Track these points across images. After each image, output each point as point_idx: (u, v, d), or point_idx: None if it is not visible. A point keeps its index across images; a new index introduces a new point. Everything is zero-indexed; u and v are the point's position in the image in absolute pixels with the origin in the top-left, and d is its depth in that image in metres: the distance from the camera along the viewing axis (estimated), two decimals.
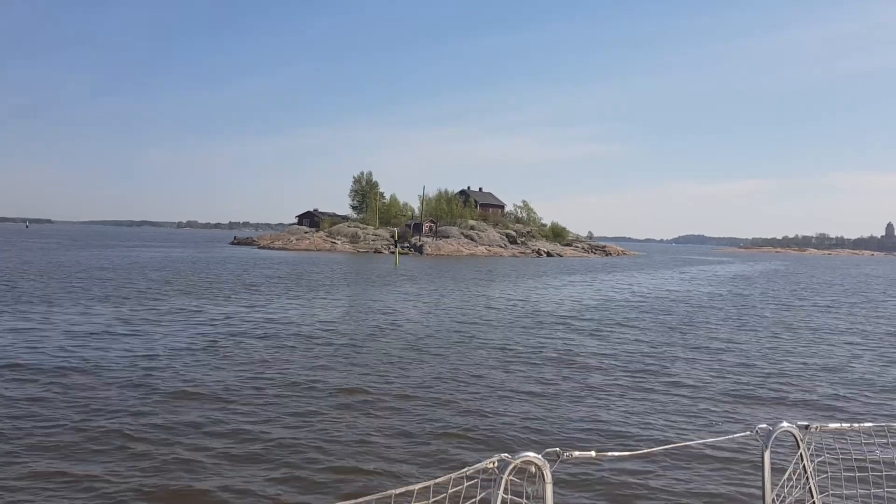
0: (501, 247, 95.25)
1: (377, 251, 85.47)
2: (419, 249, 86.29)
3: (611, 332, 20.28)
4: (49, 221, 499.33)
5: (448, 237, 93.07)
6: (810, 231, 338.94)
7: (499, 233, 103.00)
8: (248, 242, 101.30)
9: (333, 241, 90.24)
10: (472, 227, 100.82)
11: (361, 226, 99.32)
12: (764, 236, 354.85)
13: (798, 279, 58.05)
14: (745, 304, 31.40)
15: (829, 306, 31.52)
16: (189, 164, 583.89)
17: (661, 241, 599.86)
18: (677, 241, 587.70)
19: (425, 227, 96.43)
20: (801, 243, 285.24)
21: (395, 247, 60.59)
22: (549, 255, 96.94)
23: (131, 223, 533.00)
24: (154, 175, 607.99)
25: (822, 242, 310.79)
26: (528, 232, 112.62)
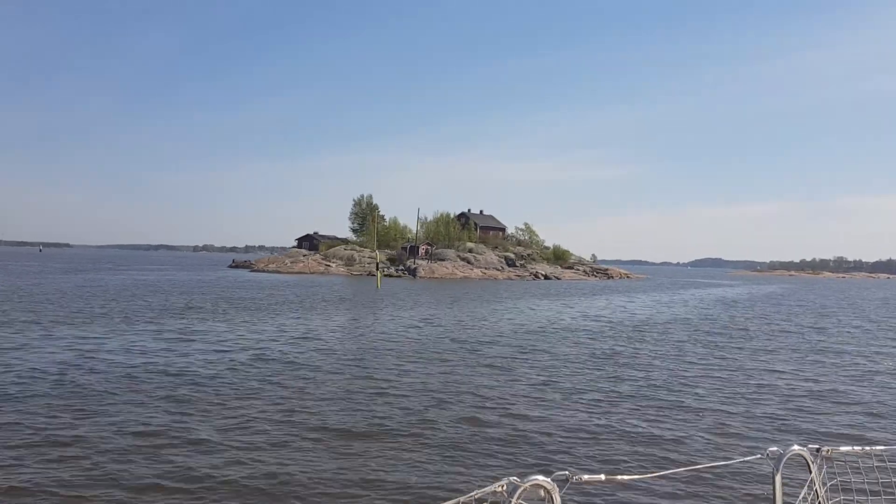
0: (498, 269, 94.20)
1: (371, 274, 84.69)
2: (413, 272, 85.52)
3: (525, 358, 19.23)
4: (68, 245, 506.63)
5: (444, 260, 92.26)
6: (829, 254, 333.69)
7: (497, 255, 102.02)
8: (245, 265, 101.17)
9: (328, 263, 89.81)
10: (470, 250, 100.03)
11: (358, 248, 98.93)
12: (781, 259, 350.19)
13: (784, 302, 56.28)
14: (690, 328, 30.13)
15: (781, 331, 30.14)
16: (206, 188, 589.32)
17: (678, 264, 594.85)
18: (694, 264, 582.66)
19: (421, 249, 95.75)
20: (819, 266, 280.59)
21: (377, 269, 59.57)
22: (546, 277, 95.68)
23: (149, 247, 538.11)
24: (172, 199, 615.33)
25: (840, 266, 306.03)
26: (528, 255, 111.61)
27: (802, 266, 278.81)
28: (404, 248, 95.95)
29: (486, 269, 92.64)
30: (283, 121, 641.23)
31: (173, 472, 8.56)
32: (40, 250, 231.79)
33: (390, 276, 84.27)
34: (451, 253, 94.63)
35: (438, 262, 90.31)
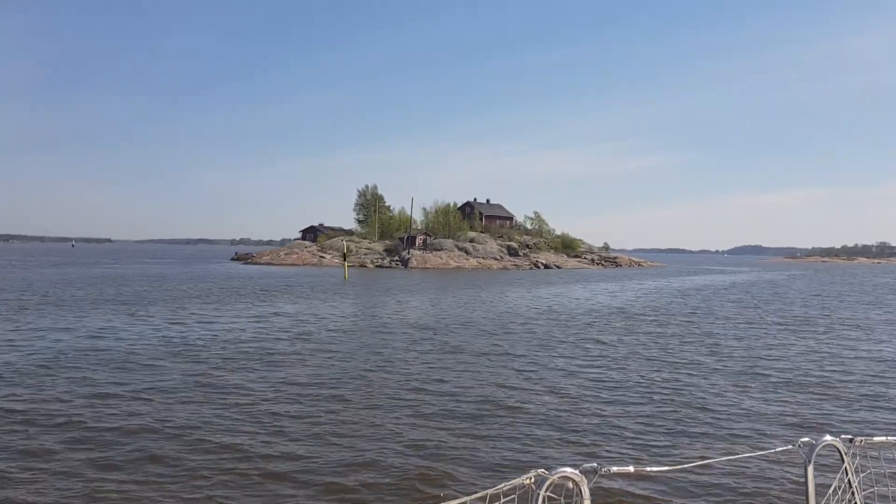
0: (496, 259, 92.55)
1: (362, 265, 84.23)
2: (405, 263, 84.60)
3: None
4: (108, 241, 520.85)
5: (440, 250, 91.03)
6: (871, 240, 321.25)
7: (499, 245, 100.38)
8: (245, 258, 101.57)
9: (322, 255, 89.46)
10: (471, 240, 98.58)
11: (356, 239, 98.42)
12: (822, 246, 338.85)
13: (780, 288, 53.41)
14: (633, 319, 28.37)
15: (724, 317, 28.15)
16: (244, 184, 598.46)
17: (717, 252, 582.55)
18: (733, 252, 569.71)
19: (419, 240, 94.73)
20: (860, 253, 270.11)
21: (344, 260, 58.75)
22: (546, 266, 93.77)
23: (188, 241, 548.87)
24: (211, 194, 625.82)
25: (883, 251, 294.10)
26: (535, 244, 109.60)
27: (843, 252, 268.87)
28: (401, 239, 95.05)
29: (483, 258, 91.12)
30: (315, 118, 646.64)
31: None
32: (72, 246, 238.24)
33: (382, 266, 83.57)
34: (448, 243, 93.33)
35: (433, 253, 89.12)
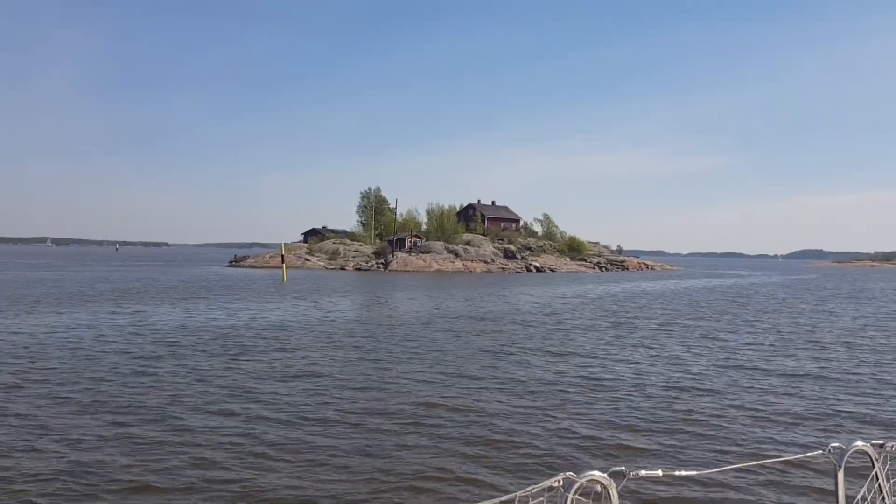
0: (487, 262, 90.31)
1: (342, 268, 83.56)
2: (386, 265, 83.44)
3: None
4: (166, 244, 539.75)
5: (428, 252, 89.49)
6: None
7: (496, 247, 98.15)
8: (240, 260, 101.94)
9: (307, 258, 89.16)
10: (468, 243, 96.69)
11: (347, 242, 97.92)
12: (885, 250, 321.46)
13: (775, 292, 49.69)
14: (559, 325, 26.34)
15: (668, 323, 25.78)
16: (297, 186, 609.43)
17: (774, 256, 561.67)
18: (793, 256, 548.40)
19: (408, 242, 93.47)
20: None
21: (283, 262, 57.99)
22: (538, 269, 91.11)
23: (241, 245, 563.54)
24: (268, 197, 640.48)
25: None
26: (540, 246, 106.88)
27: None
28: (389, 241, 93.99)
29: (471, 261, 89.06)
30: (368, 121, 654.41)
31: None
32: (116, 249, 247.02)
33: (360, 269, 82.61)
34: (438, 245, 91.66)
35: (417, 255, 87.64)
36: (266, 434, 9.91)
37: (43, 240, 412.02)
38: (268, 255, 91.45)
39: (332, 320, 26.02)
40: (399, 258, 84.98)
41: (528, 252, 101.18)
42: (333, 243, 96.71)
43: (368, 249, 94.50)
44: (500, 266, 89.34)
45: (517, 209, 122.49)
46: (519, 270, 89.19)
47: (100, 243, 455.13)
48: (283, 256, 58.54)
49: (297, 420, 10.76)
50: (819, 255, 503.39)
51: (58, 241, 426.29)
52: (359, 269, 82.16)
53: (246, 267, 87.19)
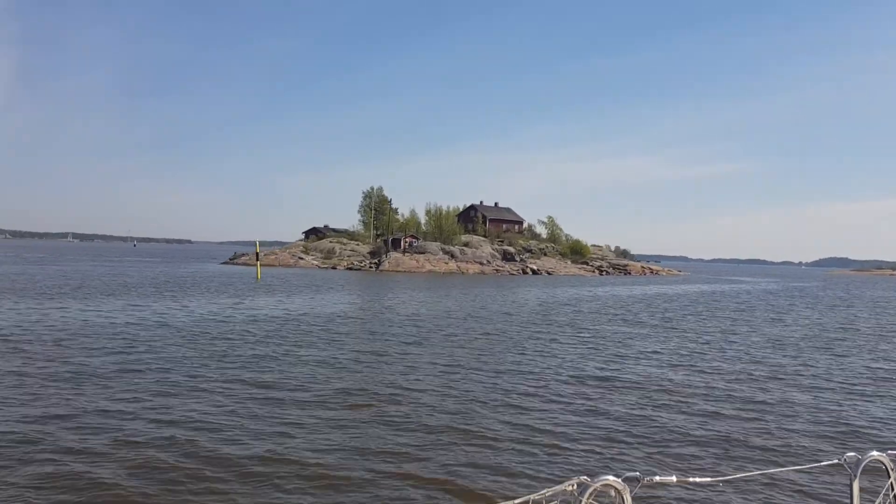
0: (483, 263, 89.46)
1: (334, 267, 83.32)
2: (378, 265, 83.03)
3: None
4: (189, 242, 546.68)
5: (423, 253, 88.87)
6: None
7: (495, 249, 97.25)
8: (237, 258, 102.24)
9: (301, 257, 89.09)
10: (466, 244, 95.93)
11: (343, 241, 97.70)
12: None
13: (743, 297, 48.33)
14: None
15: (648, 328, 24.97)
16: (315, 187, 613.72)
17: (799, 264, 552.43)
18: (818, 264, 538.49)
19: (404, 242, 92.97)
20: None
21: (258, 260, 57.88)
22: (535, 272, 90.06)
23: (263, 242, 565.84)
24: (292, 196, 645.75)
25: None
26: (541, 248, 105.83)
27: None
28: (385, 241, 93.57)
29: (465, 262, 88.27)
30: (385, 124, 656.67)
31: None
32: (134, 245, 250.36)
33: (351, 268, 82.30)
34: (433, 246, 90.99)
35: (412, 256, 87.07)
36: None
37: (64, 235, 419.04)
38: (263, 253, 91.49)
39: (256, 319, 25.48)
40: (392, 258, 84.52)
41: (528, 254, 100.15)
42: (330, 242, 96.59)
43: (365, 249, 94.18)
44: (496, 268, 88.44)
45: (533, 213, 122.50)
46: (515, 273, 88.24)
47: (123, 239, 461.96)
48: (258, 255, 58.49)
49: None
50: (844, 263, 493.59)
51: (82, 237, 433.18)
52: (350, 269, 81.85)
53: (240, 264, 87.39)
